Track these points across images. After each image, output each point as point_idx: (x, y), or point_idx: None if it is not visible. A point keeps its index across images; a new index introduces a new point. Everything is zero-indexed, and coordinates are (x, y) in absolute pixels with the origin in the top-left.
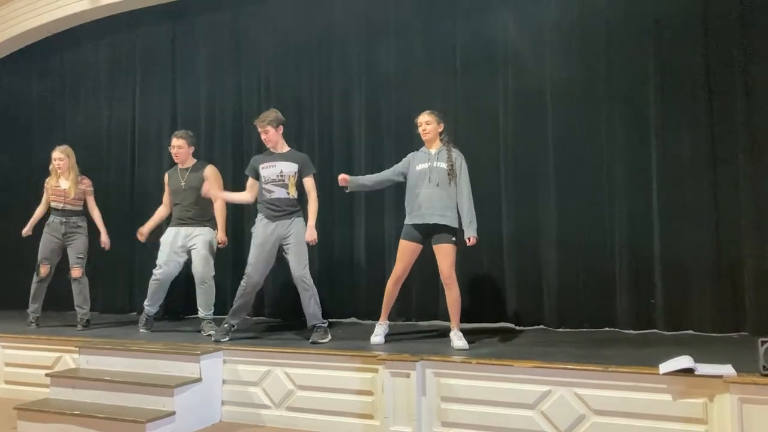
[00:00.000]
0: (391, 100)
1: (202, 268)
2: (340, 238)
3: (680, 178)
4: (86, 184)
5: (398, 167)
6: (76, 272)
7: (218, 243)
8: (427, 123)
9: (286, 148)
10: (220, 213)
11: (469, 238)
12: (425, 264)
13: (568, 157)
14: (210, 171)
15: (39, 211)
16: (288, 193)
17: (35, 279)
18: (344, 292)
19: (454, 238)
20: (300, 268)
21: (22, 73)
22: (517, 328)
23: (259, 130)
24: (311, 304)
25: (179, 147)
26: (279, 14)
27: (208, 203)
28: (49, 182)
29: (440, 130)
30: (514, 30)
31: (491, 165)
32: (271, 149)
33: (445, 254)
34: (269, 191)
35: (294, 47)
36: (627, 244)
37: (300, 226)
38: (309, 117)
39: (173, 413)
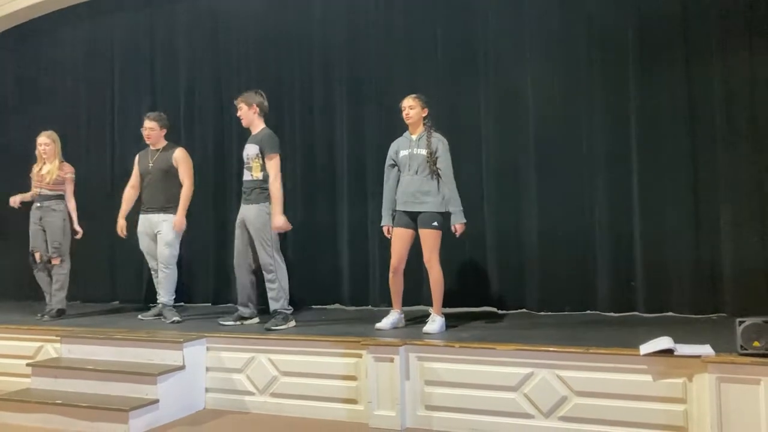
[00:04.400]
0: (373, 89)
1: (168, 253)
2: (322, 223)
3: (659, 164)
4: (66, 170)
5: (388, 164)
6: (54, 261)
7: (174, 227)
8: (410, 107)
9: (258, 129)
10: (184, 197)
11: (455, 227)
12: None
13: (548, 144)
14: (180, 154)
15: (29, 194)
16: (252, 176)
17: (34, 270)
18: (328, 278)
19: (435, 223)
20: (263, 256)
21: None
22: (500, 311)
23: (237, 106)
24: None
25: (151, 129)
26: (259, 3)
27: (176, 188)
28: (34, 168)
29: (424, 115)
30: (495, 25)
31: (473, 150)
32: (249, 128)
33: (425, 238)
34: (243, 174)
35: (274, 36)
36: (607, 228)
37: (257, 211)
38: (290, 106)
39: (156, 401)
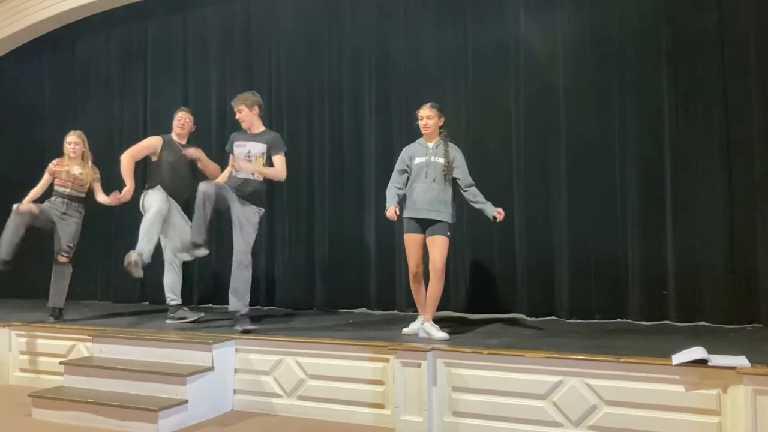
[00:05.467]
0: (402, 91)
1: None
2: (350, 229)
3: (694, 171)
4: (96, 172)
5: (400, 167)
6: (62, 258)
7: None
8: (428, 117)
9: (260, 129)
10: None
11: (496, 214)
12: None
13: (580, 150)
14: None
15: (36, 190)
16: (252, 174)
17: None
18: (355, 282)
19: (449, 232)
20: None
21: (35, 63)
22: (529, 318)
23: (235, 109)
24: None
25: (187, 120)
26: (290, 4)
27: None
28: (59, 165)
29: (440, 125)
30: (527, 26)
31: (503, 157)
32: (246, 130)
33: (440, 244)
34: (237, 170)
35: (305, 38)
36: (639, 234)
37: (251, 211)
38: (319, 107)
39: (186, 401)
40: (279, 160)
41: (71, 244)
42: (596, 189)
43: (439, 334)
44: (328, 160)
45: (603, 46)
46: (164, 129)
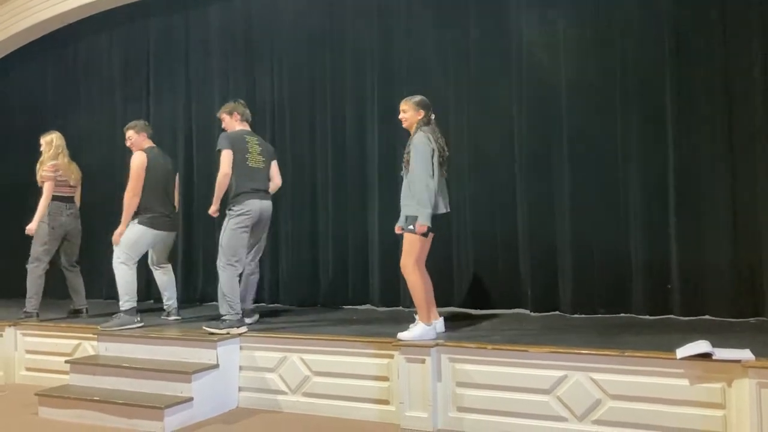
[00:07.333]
0: (403, 90)
1: (115, 252)
2: (353, 225)
3: (697, 164)
4: (45, 168)
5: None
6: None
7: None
8: (403, 111)
9: None
10: (124, 207)
11: (414, 225)
12: (434, 252)
13: (583, 146)
14: (132, 158)
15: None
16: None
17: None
18: (359, 279)
19: (411, 227)
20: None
21: (37, 64)
22: (533, 314)
23: (220, 118)
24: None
25: (128, 137)
26: (291, 3)
27: (145, 195)
28: None
29: (419, 117)
30: (528, 25)
31: (506, 153)
32: None
33: (404, 244)
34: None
35: (306, 37)
36: (642, 228)
37: (228, 222)
38: (321, 107)
39: (191, 399)
40: (221, 158)
41: (32, 249)
42: (599, 184)
43: (412, 333)
44: (331, 159)
45: (604, 44)
46: (166, 129)
